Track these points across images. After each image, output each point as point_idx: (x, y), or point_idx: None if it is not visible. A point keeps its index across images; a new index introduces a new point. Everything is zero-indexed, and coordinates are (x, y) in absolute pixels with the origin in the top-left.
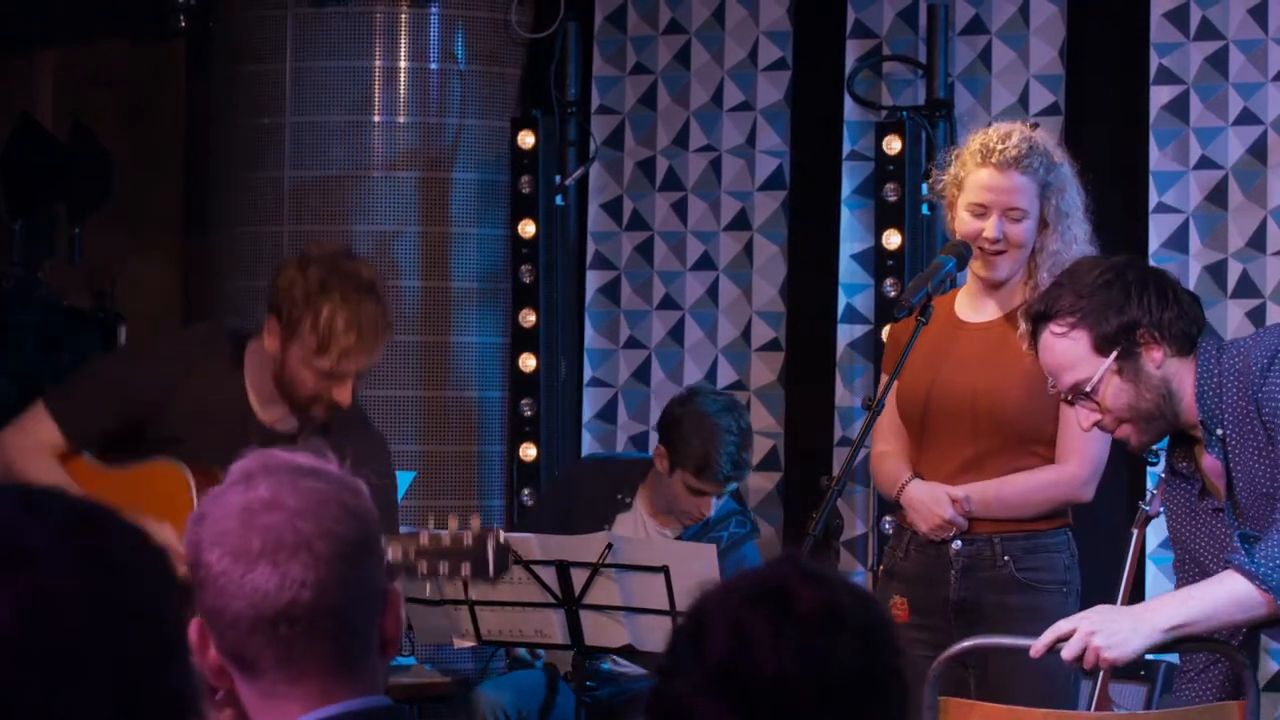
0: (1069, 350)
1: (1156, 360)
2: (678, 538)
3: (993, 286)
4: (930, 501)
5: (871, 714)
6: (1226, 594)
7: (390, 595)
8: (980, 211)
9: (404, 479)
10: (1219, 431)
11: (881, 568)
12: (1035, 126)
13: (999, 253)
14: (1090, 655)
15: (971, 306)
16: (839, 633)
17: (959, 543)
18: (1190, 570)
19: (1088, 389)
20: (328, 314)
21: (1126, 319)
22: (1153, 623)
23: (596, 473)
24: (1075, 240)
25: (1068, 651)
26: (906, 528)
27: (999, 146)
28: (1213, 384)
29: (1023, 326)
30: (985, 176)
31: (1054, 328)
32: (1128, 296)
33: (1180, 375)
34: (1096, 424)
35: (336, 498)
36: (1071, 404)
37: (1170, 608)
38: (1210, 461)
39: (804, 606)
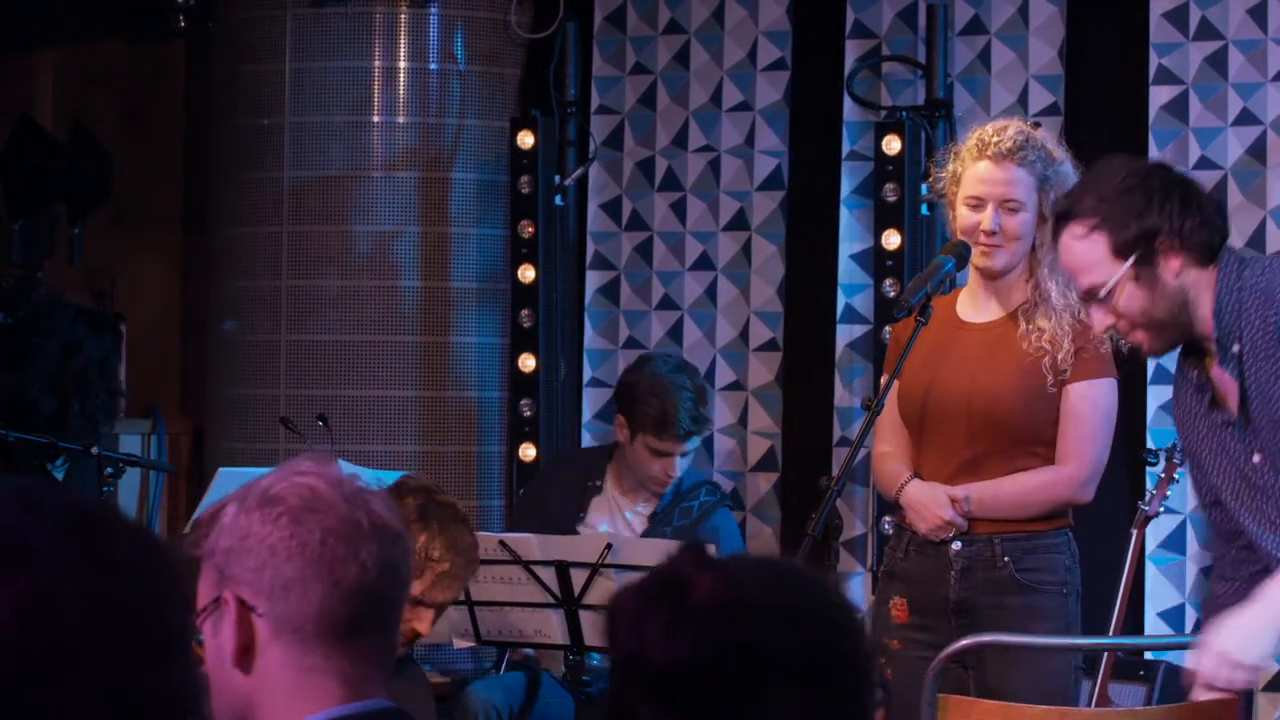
0: (1087, 253)
1: (1174, 269)
2: (653, 512)
3: (990, 278)
4: (929, 502)
5: (820, 701)
6: None
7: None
8: (976, 204)
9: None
10: (1234, 348)
11: (882, 568)
12: (1037, 125)
13: (996, 245)
14: (1230, 673)
15: (973, 306)
16: (738, 620)
17: (959, 543)
18: (1197, 477)
19: (1103, 293)
20: (424, 540)
21: (1147, 226)
22: (1269, 620)
23: (567, 465)
24: None
25: (1212, 680)
26: (906, 528)
27: (994, 139)
28: (1232, 300)
29: (1049, 224)
30: (981, 169)
31: (1074, 229)
32: (1149, 203)
33: (1198, 286)
34: (1110, 327)
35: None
36: (1086, 304)
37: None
38: (1221, 375)
39: (698, 596)
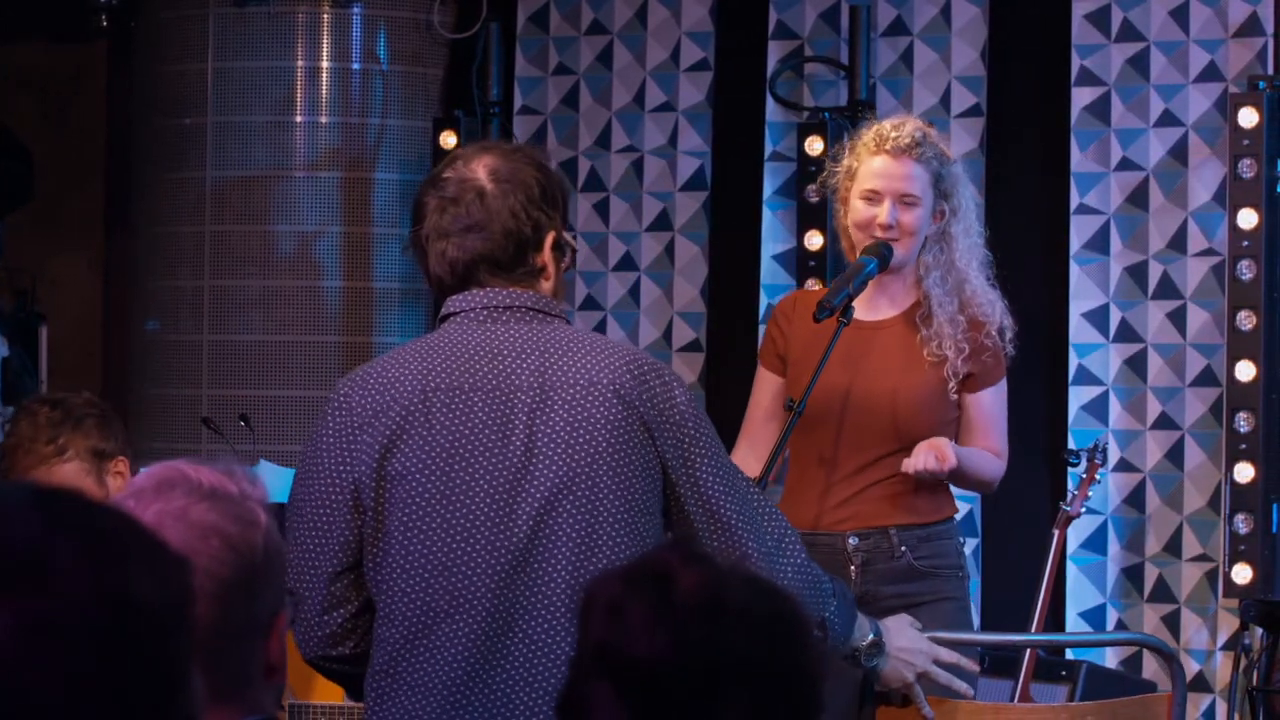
0: None
1: None
2: None
3: (886, 275)
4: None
5: (773, 708)
6: None
7: (276, 622)
8: (873, 197)
9: None
10: None
11: None
12: (931, 125)
13: (894, 239)
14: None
15: (865, 303)
16: (719, 619)
17: (855, 538)
18: None
19: None
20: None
21: None
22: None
23: None
24: (967, 241)
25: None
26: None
27: (893, 135)
28: None
29: None
30: (878, 164)
31: None
32: None
33: None
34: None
35: (223, 530)
36: None
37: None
38: None
39: (683, 590)
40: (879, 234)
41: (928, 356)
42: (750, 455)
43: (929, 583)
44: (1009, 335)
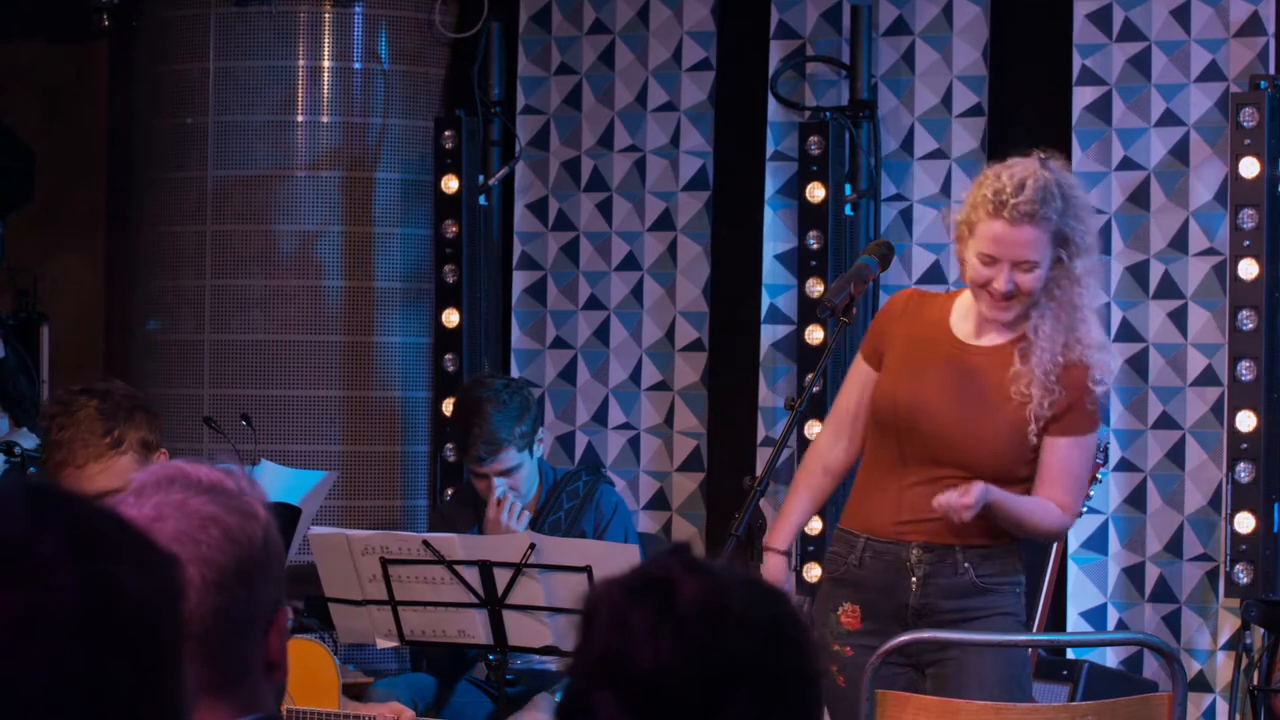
0: None
1: None
2: (535, 514)
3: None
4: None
5: (776, 712)
6: None
7: (276, 616)
8: (990, 261)
9: (314, 478)
10: None
11: (829, 574)
12: (1045, 161)
13: (1010, 302)
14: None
15: (972, 326)
16: (722, 625)
17: (920, 549)
18: None
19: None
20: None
21: None
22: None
23: (459, 504)
24: (1089, 279)
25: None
26: (859, 534)
27: (1012, 200)
28: None
29: None
30: (997, 228)
31: None
32: None
33: None
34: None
35: (222, 520)
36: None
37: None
38: None
39: (686, 598)
40: (997, 301)
41: (1014, 395)
42: (836, 447)
43: (989, 598)
44: (1106, 382)
